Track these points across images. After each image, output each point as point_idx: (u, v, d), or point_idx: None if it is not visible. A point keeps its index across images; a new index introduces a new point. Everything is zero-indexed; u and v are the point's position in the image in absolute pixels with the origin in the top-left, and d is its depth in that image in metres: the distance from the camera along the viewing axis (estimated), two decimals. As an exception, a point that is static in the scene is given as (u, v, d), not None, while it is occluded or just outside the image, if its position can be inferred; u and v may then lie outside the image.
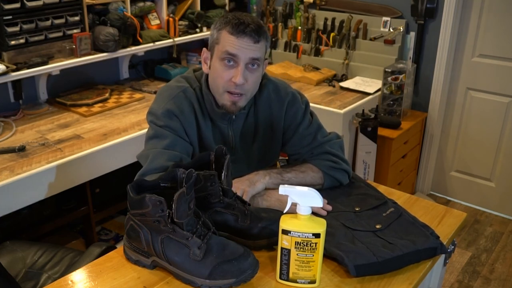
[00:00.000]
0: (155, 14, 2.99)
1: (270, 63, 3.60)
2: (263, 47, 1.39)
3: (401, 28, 3.11)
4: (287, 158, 1.69)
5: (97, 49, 2.62)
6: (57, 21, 2.42)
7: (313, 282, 1.10)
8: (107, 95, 2.71)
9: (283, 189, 1.08)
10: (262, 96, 1.53)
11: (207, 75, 1.46)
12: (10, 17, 2.25)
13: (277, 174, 1.44)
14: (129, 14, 2.73)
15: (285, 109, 1.53)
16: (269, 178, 1.42)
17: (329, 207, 1.36)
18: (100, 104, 2.62)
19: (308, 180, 1.46)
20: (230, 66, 1.36)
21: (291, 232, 1.06)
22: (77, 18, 2.50)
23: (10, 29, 2.26)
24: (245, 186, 1.37)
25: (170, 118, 1.41)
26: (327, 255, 1.15)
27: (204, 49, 1.46)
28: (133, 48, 2.79)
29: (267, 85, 1.54)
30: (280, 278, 1.11)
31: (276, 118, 1.54)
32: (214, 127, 1.50)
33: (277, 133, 1.57)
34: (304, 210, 1.07)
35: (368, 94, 3.05)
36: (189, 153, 1.42)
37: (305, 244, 1.06)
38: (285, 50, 3.60)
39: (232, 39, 1.34)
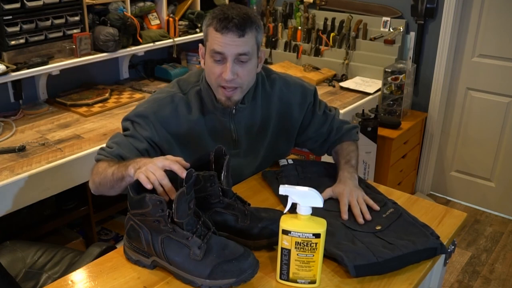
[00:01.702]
0: (155, 14, 2.99)
1: (270, 63, 3.60)
2: (251, 39, 1.37)
3: (401, 28, 3.11)
4: (287, 158, 1.69)
5: (97, 49, 2.62)
6: (57, 21, 2.42)
7: (313, 282, 1.10)
8: (107, 95, 2.70)
9: (283, 189, 1.08)
10: (274, 92, 1.56)
11: None
12: (10, 17, 2.25)
13: (351, 167, 1.52)
14: (129, 14, 2.73)
15: (307, 105, 1.61)
16: (355, 175, 1.49)
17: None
18: (100, 104, 2.62)
19: (357, 152, 1.61)
20: (219, 62, 1.38)
21: (291, 232, 1.06)
22: (77, 18, 2.50)
23: (10, 29, 2.26)
24: (361, 192, 1.41)
25: (140, 118, 1.45)
26: (326, 255, 1.15)
27: (200, 44, 1.48)
28: (133, 48, 2.79)
29: (277, 81, 1.58)
30: (280, 278, 1.11)
31: (294, 112, 1.59)
32: (211, 122, 1.50)
33: (292, 126, 1.61)
34: (304, 210, 1.07)
35: (368, 94, 3.05)
36: (137, 155, 1.41)
37: (305, 244, 1.06)
38: (285, 50, 3.60)
39: (218, 36, 1.35)
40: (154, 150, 1.45)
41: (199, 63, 3.28)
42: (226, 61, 1.36)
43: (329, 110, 1.68)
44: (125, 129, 1.47)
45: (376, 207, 1.37)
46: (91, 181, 1.38)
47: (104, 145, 1.48)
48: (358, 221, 1.32)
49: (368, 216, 1.33)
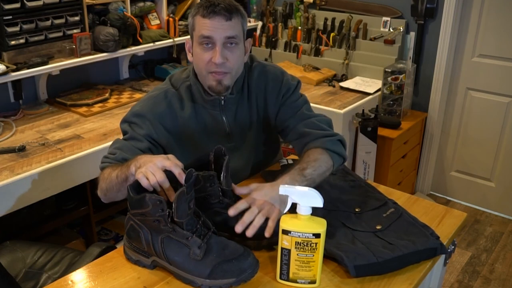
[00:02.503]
0: (155, 14, 2.99)
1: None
2: (238, 24, 1.40)
3: (401, 28, 3.11)
4: (287, 158, 1.69)
5: (97, 49, 2.62)
6: (57, 21, 2.42)
7: (313, 282, 1.10)
8: (107, 95, 2.71)
9: (283, 189, 1.08)
10: (253, 80, 1.55)
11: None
12: (10, 17, 2.25)
13: (300, 176, 1.30)
14: (129, 14, 2.73)
15: (282, 94, 1.54)
16: (298, 184, 1.27)
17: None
18: (100, 104, 2.62)
19: (323, 165, 1.37)
20: (209, 48, 1.39)
21: (291, 232, 1.06)
22: (77, 18, 2.50)
23: (10, 29, 2.26)
24: (276, 205, 1.20)
25: (137, 117, 1.46)
26: (326, 255, 1.15)
27: (187, 39, 1.49)
28: (133, 48, 2.79)
29: (257, 68, 1.57)
30: (280, 278, 1.11)
31: (270, 100, 1.55)
32: (202, 117, 1.51)
33: (271, 115, 1.57)
34: (304, 210, 1.07)
35: (368, 94, 3.05)
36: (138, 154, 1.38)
37: (305, 244, 1.06)
38: (285, 50, 3.60)
39: (205, 22, 1.36)
40: (155, 147, 1.45)
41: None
42: (215, 45, 1.38)
43: (310, 111, 1.55)
44: (124, 132, 1.48)
45: (268, 232, 1.13)
46: (99, 190, 1.37)
47: (106, 150, 1.47)
48: (236, 228, 1.13)
49: (250, 233, 1.12)
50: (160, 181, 1.09)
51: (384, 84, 3.03)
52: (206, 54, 1.39)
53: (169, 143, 1.48)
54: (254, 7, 3.66)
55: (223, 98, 1.49)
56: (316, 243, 1.06)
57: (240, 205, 1.17)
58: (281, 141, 1.74)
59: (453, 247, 1.38)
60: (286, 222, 1.07)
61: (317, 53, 3.45)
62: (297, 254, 1.08)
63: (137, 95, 2.78)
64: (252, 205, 1.18)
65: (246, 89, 1.55)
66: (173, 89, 1.51)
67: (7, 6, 2.22)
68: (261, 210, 1.17)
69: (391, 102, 3.05)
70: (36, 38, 2.37)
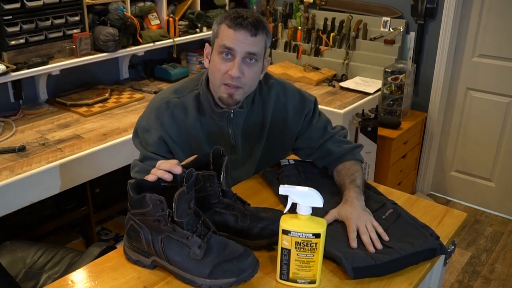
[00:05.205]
0: (155, 14, 2.99)
1: (270, 63, 3.59)
2: (261, 41, 1.39)
3: (401, 28, 3.12)
4: (288, 158, 1.68)
5: (97, 49, 2.62)
6: (57, 21, 2.42)
7: (313, 282, 1.10)
8: (107, 95, 2.71)
9: (283, 189, 1.08)
10: (271, 97, 1.55)
11: (207, 76, 1.48)
12: (10, 17, 2.25)
13: (357, 187, 1.40)
14: (129, 14, 2.74)
15: (304, 114, 1.57)
16: (361, 196, 1.38)
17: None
18: (100, 104, 2.62)
19: (361, 172, 1.49)
20: (228, 59, 1.38)
21: (291, 232, 1.06)
22: (77, 18, 2.50)
23: (10, 29, 2.26)
24: (370, 216, 1.30)
25: (145, 133, 1.46)
26: (325, 256, 1.15)
27: (207, 44, 1.48)
28: (133, 48, 2.79)
29: (275, 85, 1.57)
30: (280, 278, 1.11)
31: (292, 119, 1.56)
32: (208, 127, 1.50)
33: (288, 134, 1.58)
34: (304, 210, 1.07)
35: (368, 94, 3.05)
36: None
37: (305, 244, 1.06)
38: (285, 50, 3.60)
39: (230, 32, 1.36)
40: (169, 158, 1.44)
41: (199, 63, 3.28)
42: (234, 58, 1.37)
43: (333, 128, 1.61)
44: (138, 149, 1.49)
45: (386, 237, 1.24)
46: None
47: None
48: (368, 249, 1.20)
49: (379, 245, 1.21)
50: (160, 176, 1.11)
51: (384, 84, 3.03)
52: (224, 64, 1.38)
53: (176, 152, 1.47)
54: (254, 7, 3.66)
55: (232, 111, 1.48)
56: (316, 243, 1.06)
57: (353, 234, 1.24)
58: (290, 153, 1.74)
59: (453, 247, 1.38)
60: (286, 222, 1.07)
61: (317, 53, 3.45)
62: (297, 254, 1.08)
63: (137, 95, 2.78)
64: (360, 226, 1.25)
65: (259, 105, 1.54)
66: (175, 99, 1.48)
67: (7, 6, 2.22)
68: (367, 226, 1.26)
69: (391, 102, 3.05)
70: (36, 38, 2.37)
